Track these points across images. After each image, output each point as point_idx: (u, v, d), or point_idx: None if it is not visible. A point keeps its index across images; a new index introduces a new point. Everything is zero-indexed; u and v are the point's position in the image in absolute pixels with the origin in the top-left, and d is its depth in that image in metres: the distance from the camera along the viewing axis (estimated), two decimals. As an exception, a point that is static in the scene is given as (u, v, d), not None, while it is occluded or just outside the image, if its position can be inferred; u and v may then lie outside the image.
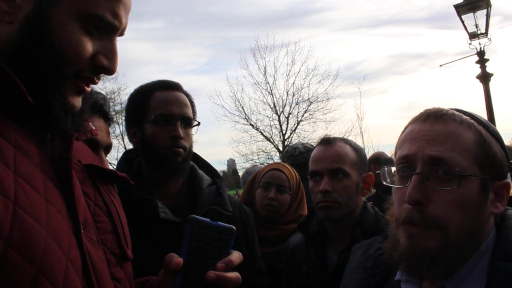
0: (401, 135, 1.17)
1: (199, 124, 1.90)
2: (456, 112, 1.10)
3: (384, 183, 1.17)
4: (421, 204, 1.02)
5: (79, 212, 0.89)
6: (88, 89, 0.97)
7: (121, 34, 0.98)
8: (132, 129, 1.87)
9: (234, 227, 1.08)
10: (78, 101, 0.96)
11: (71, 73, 0.90)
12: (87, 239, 0.91)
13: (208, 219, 1.06)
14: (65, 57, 0.88)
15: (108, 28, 0.93)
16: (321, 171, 1.92)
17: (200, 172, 1.96)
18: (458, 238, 1.01)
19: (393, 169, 1.15)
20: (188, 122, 1.85)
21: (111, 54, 0.95)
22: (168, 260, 1.05)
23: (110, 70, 0.95)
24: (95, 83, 0.97)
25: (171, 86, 1.87)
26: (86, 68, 0.92)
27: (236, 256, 1.09)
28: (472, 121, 1.09)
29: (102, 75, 0.98)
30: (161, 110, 1.79)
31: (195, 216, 1.06)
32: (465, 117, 1.10)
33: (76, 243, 0.86)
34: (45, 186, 0.84)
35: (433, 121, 1.08)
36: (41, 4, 0.85)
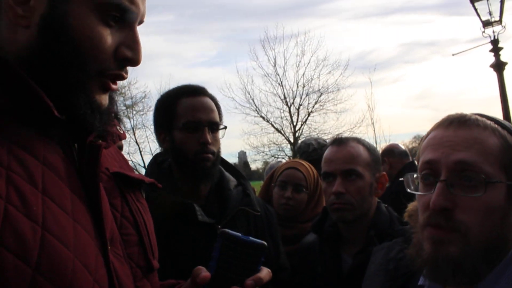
0: (422, 141, 1.16)
1: (225, 127, 1.94)
2: (479, 117, 1.09)
3: (408, 190, 1.16)
4: (447, 210, 1.01)
5: (106, 229, 0.89)
6: (116, 86, 0.94)
7: (141, 22, 0.95)
8: (162, 134, 1.92)
9: (265, 243, 1.06)
10: (105, 99, 0.94)
11: (96, 71, 0.88)
12: (113, 256, 0.90)
13: (240, 234, 1.04)
14: (87, 53, 0.85)
15: (126, 16, 0.89)
16: (334, 172, 1.90)
17: (227, 174, 2.01)
18: (480, 244, 1.00)
19: (415, 175, 1.14)
20: (215, 126, 1.89)
21: (134, 44, 0.92)
22: (196, 273, 1.04)
23: (135, 60, 0.92)
24: (124, 78, 0.94)
25: (196, 92, 1.91)
26: (111, 66, 0.89)
27: (265, 273, 1.07)
28: (496, 126, 1.07)
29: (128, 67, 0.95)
30: (189, 117, 1.83)
31: (226, 230, 1.04)
32: (488, 122, 1.08)
33: (103, 261, 0.85)
34: (72, 204, 0.83)
35: (457, 127, 1.07)
36: (54, 1, 0.83)
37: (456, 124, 1.08)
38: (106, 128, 0.98)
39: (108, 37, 0.87)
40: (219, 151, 1.90)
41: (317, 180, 2.54)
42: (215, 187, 1.94)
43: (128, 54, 0.91)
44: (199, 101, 1.87)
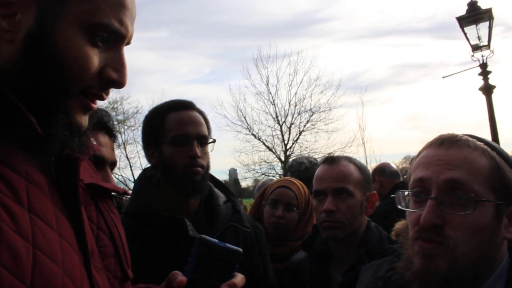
0: (414, 160, 1.19)
1: (214, 141, 1.94)
2: (470, 138, 1.13)
3: (399, 207, 1.19)
4: (437, 226, 1.04)
5: (88, 243, 0.89)
6: (95, 106, 0.91)
7: (128, 42, 0.94)
8: (150, 150, 1.90)
9: (241, 250, 1.08)
10: (85, 120, 0.91)
11: (77, 90, 0.85)
12: (94, 269, 0.90)
13: (216, 240, 1.06)
14: (71, 73, 0.82)
15: (114, 37, 0.88)
16: (325, 191, 1.92)
17: (216, 190, 2.00)
18: (467, 260, 1.02)
19: (406, 192, 1.17)
20: (204, 140, 1.88)
21: (120, 66, 0.90)
22: (172, 277, 1.04)
23: (119, 83, 0.90)
24: (103, 99, 0.92)
25: (184, 106, 1.90)
26: (94, 85, 0.87)
27: (239, 279, 1.09)
28: (486, 147, 1.11)
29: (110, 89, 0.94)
30: (177, 131, 1.82)
31: (204, 236, 1.06)
32: (479, 143, 1.11)
33: (86, 275, 0.86)
34: (57, 219, 0.82)
35: (448, 146, 1.10)
36: (42, 18, 0.80)
37: (447, 143, 1.10)
38: (84, 150, 0.95)
39: (95, 58, 0.85)
40: (208, 165, 1.89)
41: (308, 199, 2.55)
42: (204, 203, 1.93)
43: (114, 76, 0.89)
44: (187, 115, 1.87)
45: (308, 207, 2.54)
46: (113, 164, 1.89)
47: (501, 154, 1.11)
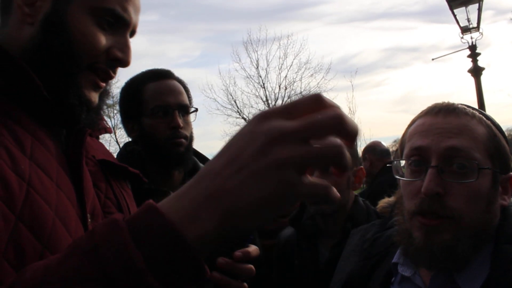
0: (408, 129, 1.16)
1: (196, 110, 1.87)
2: (465, 106, 1.11)
3: (397, 176, 1.16)
4: (439, 195, 1.02)
5: (87, 202, 0.94)
6: (103, 84, 1.01)
7: (133, 33, 1.04)
8: (130, 124, 1.83)
9: None
10: (94, 97, 1.01)
11: (86, 64, 0.95)
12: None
13: None
14: (80, 48, 0.93)
15: (119, 22, 0.98)
16: None
17: (201, 165, 1.93)
18: (471, 230, 1.02)
19: (403, 162, 1.14)
20: (186, 109, 1.81)
21: (125, 48, 1.00)
22: None
23: (125, 62, 1.00)
24: (112, 77, 1.02)
25: (162, 75, 1.83)
26: (102, 61, 0.97)
27: (253, 249, 1.09)
28: (481, 115, 1.10)
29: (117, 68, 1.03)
30: (157, 102, 1.75)
31: None
32: (474, 111, 1.11)
33: (83, 230, 0.90)
34: (58, 174, 0.89)
35: (445, 114, 1.08)
36: (57, 3, 0.93)
37: (445, 111, 1.09)
38: (93, 124, 1.04)
39: (102, 37, 0.96)
40: (191, 135, 1.83)
41: None
42: (189, 178, 1.88)
43: (119, 55, 0.99)
44: (167, 85, 1.80)
45: None
46: None
47: (494, 122, 1.12)
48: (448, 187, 1.02)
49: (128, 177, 1.20)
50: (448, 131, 1.05)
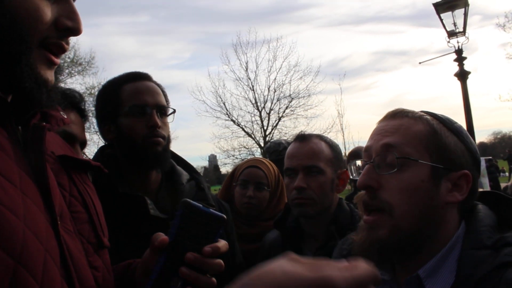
0: None
1: (174, 111, 1.85)
2: (410, 110, 1.20)
3: (351, 177, 1.29)
4: (372, 188, 1.12)
5: (55, 204, 0.90)
6: (58, 60, 0.95)
7: None
8: (106, 125, 1.81)
9: (225, 217, 1.08)
10: (51, 75, 0.94)
11: (36, 40, 0.89)
12: (63, 230, 0.91)
13: (200, 205, 1.06)
14: (25, 24, 0.86)
15: None
16: (295, 168, 1.91)
17: (179, 168, 1.92)
18: (406, 223, 1.08)
19: (358, 163, 1.27)
20: (163, 110, 1.80)
21: (72, 14, 0.94)
22: (155, 238, 1.06)
23: (76, 29, 0.94)
24: (66, 50, 0.95)
25: (139, 77, 1.82)
26: (51, 35, 0.91)
27: (222, 243, 1.08)
28: (428, 116, 1.17)
29: (70, 38, 0.97)
30: (134, 101, 1.73)
31: (188, 200, 1.05)
32: (420, 113, 1.18)
33: (54, 234, 0.87)
34: (20, 179, 0.83)
35: (390, 118, 1.20)
36: None
37: (390, 116, 1.20)
38: (54, 105, 0.98)
39: (46, 8, 0.89)
40: (169, 136, 1.81)
41: (278, 177, 2.55)
42: (166, 181, 1.85)
43: (69, 24, 0.93)
44: (144, 85, 1.79)
45: (279, 185, 2.53)
46: (83, 143, 1.83)
47: (445, 123, 1.17)
48: (383, 181, 1.11)
49: (89, 169, 1.16)
50: (385, 131, 1.16)
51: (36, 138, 0.94)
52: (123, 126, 1.74)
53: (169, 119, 1.85)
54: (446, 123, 1.17)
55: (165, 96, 1.85)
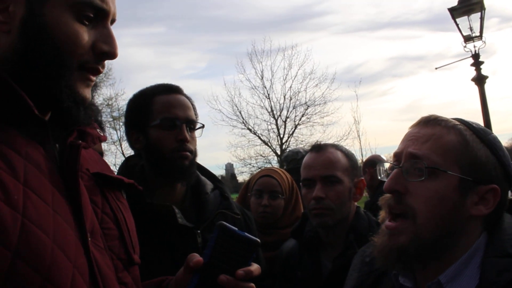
0: None
1: (203, 126, 1.89)
2: (444, 118, 1.20)
3: (379, 177, 1.29)
4: (399, 192, 1.13)
5: (86, 221, 0.92)
6: (94, 78, 0.99)
7: (113, 20, 1.01)
8: (135, 134, 1.84)
9: (259, 240, 1.10)
10: (88, 92, 0.99)
11: (75, 63, 0.93)
12: (94, 246, 0.93)
13: (236, 228, 1.09)
14: (65, 48, 0.90)
15: (99, 14, 0.95)
16: (313, 178, 1.92)
17: (203, 178, 1.95)
18: (427, 232, 1.09)
19: (386, 165, 1.28)
20: (193, 125, 1.84)
21: (109, 39, 0.97)
22: (190, 258, 1.08)
23: (112, 54, 0.98)
24: (100, 72, 0.99)
25: (172, 90, 1.86)
26: (90, 59, 0.95)
27: (255, 267, 1.11)
28: (461, 126, 1.16)
29: (105, 61, 1.00)
30: (166, 114, 1.76)
31: (224, 223, 1.08)
32: (454, 122, 1.17)
33: (83, 251, 0.89)
34: (53, 197, 0.86)
35: (422, 125, 1.19)
36: (31, 5, 0.88)
37: (423, 123, 1.20)
38: (90, 121, 1.02)
39: (84, 34, 0.93)
40: (196, 150, 1.84)
41: (292, 185, 2.57)
42: (191, 191, 1.88)
43: (105, 48, 0.97)
44: (176, 99, 1.82)
45: (293, 192, 2.56)
46: (99, 154, 1.88)
47: (479, 134, 1.15)
48: (410, 187, 1.12)
49: (122, 187, 1.19)
50: (417, 139, 1.16)
51: (71, 156, 0.97)
52: (152, 137, 1.77)
53: (197, 133, 1.88)
54: (479, 134, 1.15)
55: (195, 110, 1.88)
